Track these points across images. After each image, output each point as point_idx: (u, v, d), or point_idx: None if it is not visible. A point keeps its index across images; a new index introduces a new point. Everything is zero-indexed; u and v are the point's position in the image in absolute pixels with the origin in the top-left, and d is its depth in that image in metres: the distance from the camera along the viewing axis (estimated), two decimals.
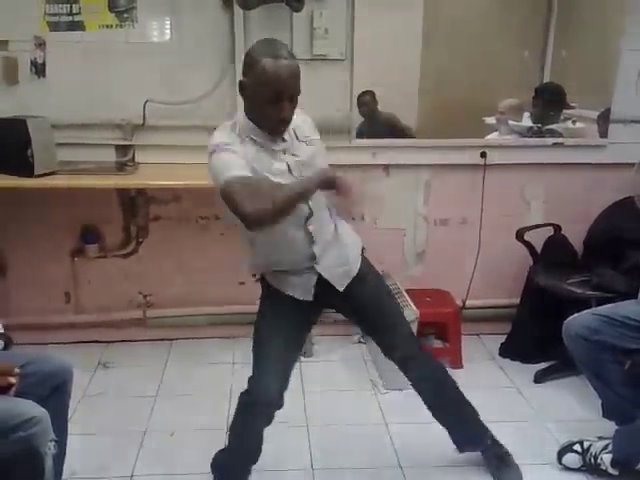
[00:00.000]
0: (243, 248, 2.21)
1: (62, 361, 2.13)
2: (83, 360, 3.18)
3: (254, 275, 2.34)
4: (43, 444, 1.84)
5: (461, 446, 2.46)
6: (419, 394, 2.37)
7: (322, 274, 2.17)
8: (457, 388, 2.43)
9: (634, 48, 3.33)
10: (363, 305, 2.26)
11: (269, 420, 2.25)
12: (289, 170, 2.04)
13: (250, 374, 2.21)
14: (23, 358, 2.03)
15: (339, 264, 2.21)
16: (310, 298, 2.18)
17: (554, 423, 2.82)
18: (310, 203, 2.06)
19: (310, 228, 2.11)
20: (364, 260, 2.30)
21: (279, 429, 2.74)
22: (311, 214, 2.09)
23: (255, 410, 2.22)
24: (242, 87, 2.00)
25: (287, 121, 2.01)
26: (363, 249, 2.33)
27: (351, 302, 2.26)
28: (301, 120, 2.12)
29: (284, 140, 2.06)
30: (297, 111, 2.04)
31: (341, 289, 2.20)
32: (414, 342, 2.40)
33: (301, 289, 2.18)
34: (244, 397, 2.24)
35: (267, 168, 2.01)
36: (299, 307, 2.19)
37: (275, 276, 2.20)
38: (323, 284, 2.18)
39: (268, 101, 1.93)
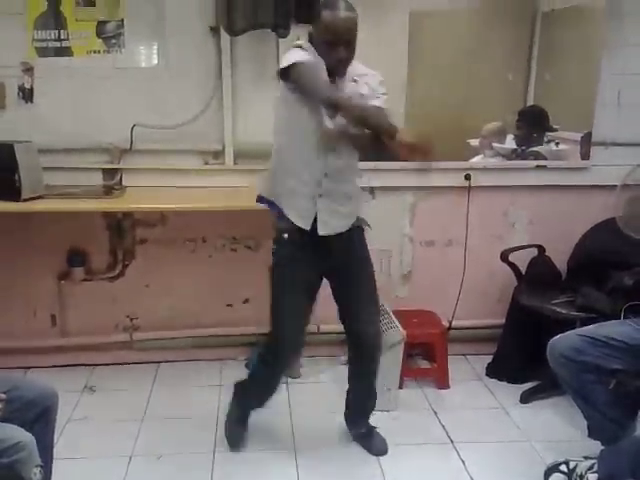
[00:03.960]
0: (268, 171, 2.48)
1: (47, 386, 2.12)
2: (69, 383, 3.17)
3: (260, 199, 2.51)
4: (29, 470, 1.82)
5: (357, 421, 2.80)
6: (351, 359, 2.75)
7: (319, 210, 2.39)
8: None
9: (614, 72, 3.40)
10: (345, 271, 2.55)
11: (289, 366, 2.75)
12: None
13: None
14: (8, 383, 2.01)
15: (335, 211, 2.43)
16: (308, 227, 2.40)
17: (540, 443, 2.83)
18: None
19: (330, 160, 2.36)
20: (362, 238, 2.57)
21: (266, 452, 2.74)
22: (333, 148, 2.34)
23: (281, 357, 2.57)
24: (310, 37, 2.34)
25: (344, 62, 2.29)
26: (363, 226, 2.59)
27: (337, 266, 2.53)
28: (372, 74, 2.40)
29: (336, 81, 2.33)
30: (370, 70, 2.39)
31: (320, 232, 2.41)
32: (377, 322, 2.73)
33: (302, 216, 2.40)
34: (267, 350, 2.59)
35: None
36: (310, 261, 2.44)
37: (284, 197, 2.42)
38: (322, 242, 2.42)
39: (328, 45, 2.25)
